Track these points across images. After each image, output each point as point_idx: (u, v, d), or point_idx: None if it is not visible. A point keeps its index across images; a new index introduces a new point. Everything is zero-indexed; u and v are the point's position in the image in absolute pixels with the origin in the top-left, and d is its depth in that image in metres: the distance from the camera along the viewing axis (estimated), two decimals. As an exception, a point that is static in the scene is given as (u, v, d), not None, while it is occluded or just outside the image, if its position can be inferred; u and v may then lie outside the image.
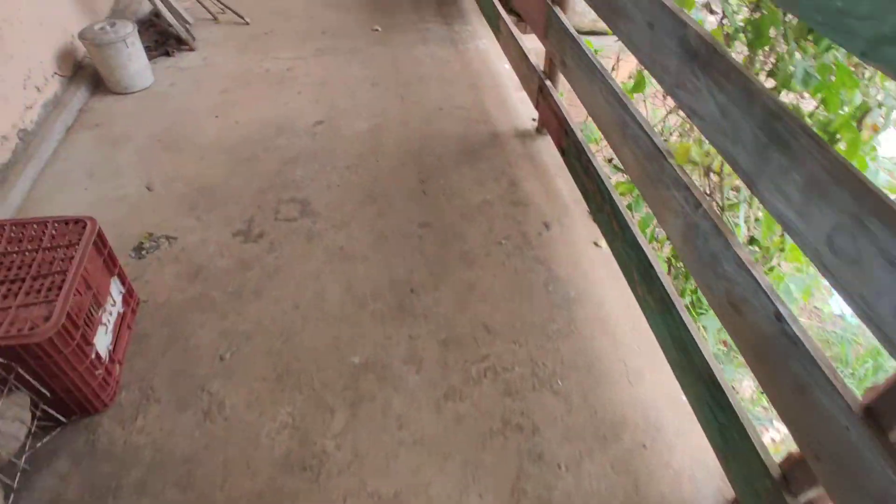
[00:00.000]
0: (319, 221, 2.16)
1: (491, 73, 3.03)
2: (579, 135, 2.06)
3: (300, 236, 2.10)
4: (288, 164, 2.42)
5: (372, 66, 3.09)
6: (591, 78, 1.82)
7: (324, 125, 2.64)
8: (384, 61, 3.13)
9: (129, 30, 2.73)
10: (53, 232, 1.58)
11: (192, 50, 3.22)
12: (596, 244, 2.11)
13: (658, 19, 1.35)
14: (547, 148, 2.52)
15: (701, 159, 1.50)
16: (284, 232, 2.12)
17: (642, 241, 1.63)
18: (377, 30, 3.44)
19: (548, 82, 2.34)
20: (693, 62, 1.22)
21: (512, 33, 2.73)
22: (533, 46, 2.88)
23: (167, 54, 3.18)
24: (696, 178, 1.60)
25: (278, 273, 1.97)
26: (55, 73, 2.73)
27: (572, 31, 1.99)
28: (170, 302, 1.88)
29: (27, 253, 1.52)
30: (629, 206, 2.31)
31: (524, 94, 2.80)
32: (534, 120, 2.69)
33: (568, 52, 2.02)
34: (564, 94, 2.43)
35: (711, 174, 1.57)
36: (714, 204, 1.72)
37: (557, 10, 2.10)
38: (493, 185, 2.33)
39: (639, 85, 2.18)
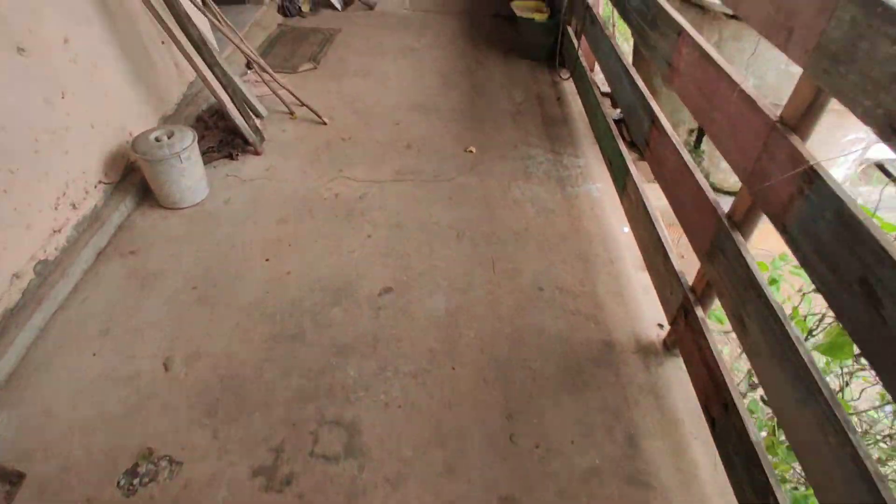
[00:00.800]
0: (368, 468, 1.60)
1: (604, 237, 2.44)
2: (749, 425, 1.41)
3: (339, 493, 1.55)
4: (340, 356, 1.90)
5: (459, 206, 2.56)
6: (794, 378, 1.19)
7: (392, 296, 2.11)
8: (475, 200, 2.60)
9: (186, 143, 2.33)
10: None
11: (258, 154, 2.82)
12: (755, 587, 1.44)
13: None
14: (679, 382, 1.88)
15: None
16: (319, 480, 1.57)
17: None
18: (471, 151, 2.93)
19: (698, 310, 1.71)
20: None
21: (643, 203, 2.13)
22: (660, 204, 2.29)
23: (230, 156, 2.79)
24: None
25: (300, 560, 1.42)
26: (100, 182, 2.36)
27: (761, 279, 1.37)
28: (149, 587, 1.37)
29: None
30: (796, 503, 1.64)
31: (647, 278, 2.18)
32: (660, 326, 2.07)
33: (749, 307, 1.40)
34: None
35: None
36: None
37: (738, 237, 1.48)
38: (604, 438, 1.71)
39: (840, 351, 1.53)
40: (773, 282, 1.75)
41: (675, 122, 2.65)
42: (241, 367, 1.85)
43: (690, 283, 1.80)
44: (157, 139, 2.33)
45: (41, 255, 2.04)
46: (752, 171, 1.39)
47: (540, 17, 3.67)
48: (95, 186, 2.34)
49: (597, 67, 3.53)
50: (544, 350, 1.95)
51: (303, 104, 3.08)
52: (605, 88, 3.36)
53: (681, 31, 1.79)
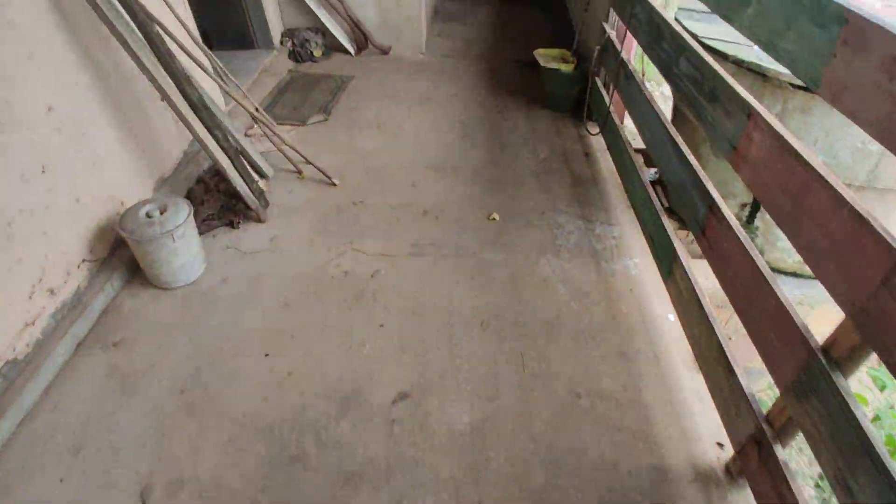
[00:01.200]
0: None
1: (647, 326, 2.15)
2: None
3: None
4: (347, 487, 1.61)
5: (483, 288, 2.29)
6: None
7: (408, 404, 1.83)
8: (500, 280, 2.33)
9: (179, 219, 2.10)
10: None
11: (261, 221, 2.59)
12: None
13: None
14: (751, 525, 1.58)
15: None
16: None
17: None
18: (494, 218, 2.68)
19: (777, 448, 1.42)
20: None
21: (697, 299, 1.85)
22: (709, 286, 2.01)
23: (231, 225, 2.56)
24: None
25: None
26: (84, 261, 2.13)
27: (881, 448, 1.08)
28: None
29: None
30: None
31: (698, 379, 1.90)
32: (720, 445, 1.77)
33: (861, 476, 1.11)
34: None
35: None
36: None
37: (840, 379, 1.19)
38: None
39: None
40: (875, 418, 1.45)
41: (724, 194, 2.38)
42: (232, 501, 1.57)
43: (765, 414, 1.51)
44: (148, 215, 2.10)
45: (9, 355, 1.80)
46: (864, 307, 1.11)
47: (566, 68, 3.45)
48: (79, 266, 2.10)
49: (626, 118, 3.30)
50: (586, 479, 1.65)
51: (309, 163, 2.85)
52: (636, 143, 3.11)
53: (751, 112, 1.53)
